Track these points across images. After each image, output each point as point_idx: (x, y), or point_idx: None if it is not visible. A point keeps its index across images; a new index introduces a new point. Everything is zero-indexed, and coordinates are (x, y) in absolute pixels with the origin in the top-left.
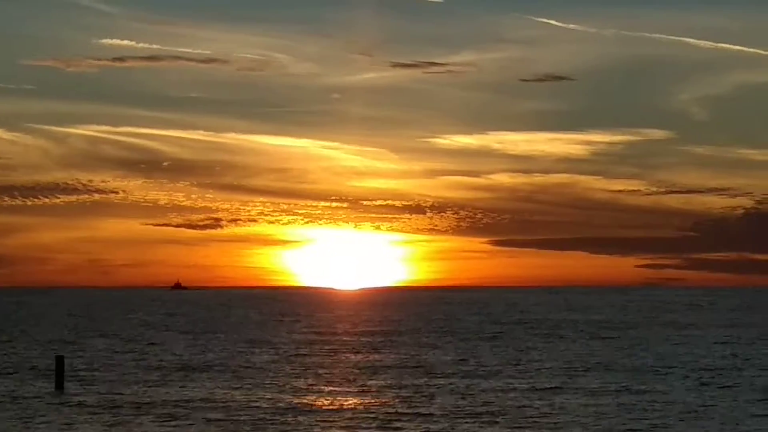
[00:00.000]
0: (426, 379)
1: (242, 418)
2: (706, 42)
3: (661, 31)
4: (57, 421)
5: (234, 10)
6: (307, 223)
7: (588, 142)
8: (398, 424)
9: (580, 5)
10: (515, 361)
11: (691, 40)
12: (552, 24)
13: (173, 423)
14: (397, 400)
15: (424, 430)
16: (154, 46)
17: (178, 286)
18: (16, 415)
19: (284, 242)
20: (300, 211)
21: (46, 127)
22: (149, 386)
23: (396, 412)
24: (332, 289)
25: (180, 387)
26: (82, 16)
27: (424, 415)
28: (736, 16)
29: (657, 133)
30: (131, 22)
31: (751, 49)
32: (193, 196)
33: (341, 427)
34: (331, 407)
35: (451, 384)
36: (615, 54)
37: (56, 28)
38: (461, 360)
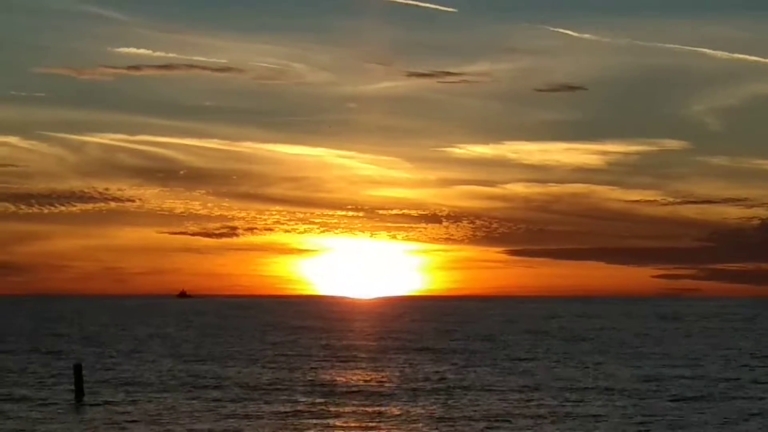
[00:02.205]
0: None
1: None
2: (721, 52)
3: (675, 41)
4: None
5: (249, 19)
6: (323, 232)
7: (603, 152)
8: None
9: (595, 15)
10: None
11: (707, 51)
12: (567, 34)
13: None
14: None
15: None
16: (170, 55)
17: (183, 295)
18: (35, 427)
19: (300, 251)
20: (316, 220)
21: (62, 135)
22: (169, 396)
23: None
24: (348, 298)
25: (193, 398)
26: (96, 25)
27: None
28: (752, 27)
29: (672, 144)
30: (146, 31)
31: (767, 60)
32: (209, 204)
33: None
34: None
35: None
36: (630, 64)
37: (71, 36)
38: None
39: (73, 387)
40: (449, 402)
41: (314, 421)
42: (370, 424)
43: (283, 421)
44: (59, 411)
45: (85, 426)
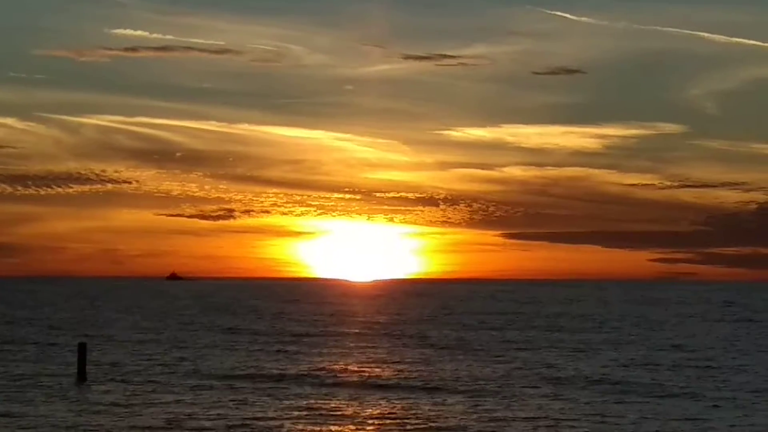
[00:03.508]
0: None
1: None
2: (719, 36)
3: (673, 24)
4: (79, 410)
5: (247, 1)
6: (320, 214)
7: (601, 136)
8: None
9: None
10: None
11: (705, 34)
12: (564, 17)
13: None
14: None
15: None
16: (167, 37)
17: (173, 277)
18: (38, 403)
19: (297, 234)
20: (313, 203)
21: (59, 116)
22: (171, 377)
23: None
24: (345, 280)
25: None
26: (94, 6)
27: None
28: (750, 11)
29: (670, 127)
30: (144, 12)
31: (765, 44)
32: (206, 186)
33: None
34: None
35: None
36: (627, 47)
37: (69, 17)
38: None
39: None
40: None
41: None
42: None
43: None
44: (61, 391)
45: (86, 405)
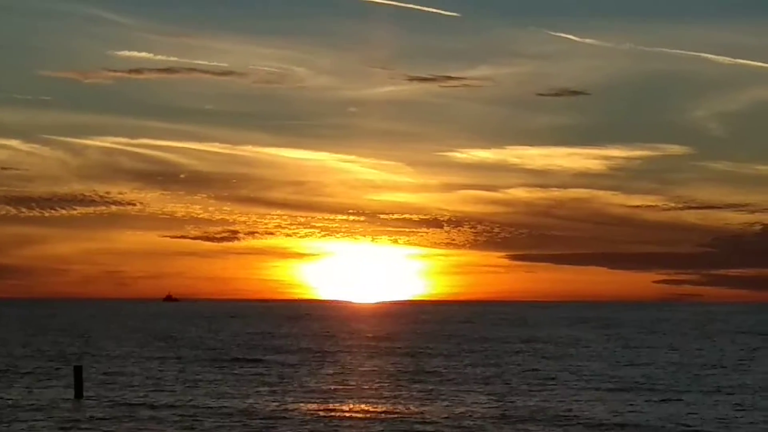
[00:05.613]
0: None
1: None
2: (723, 57)
3: (678, 46)
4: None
5: (251, 23)
6: (324, 236)
7: (606, 157)
8: None
9: (597, 20)
10: None
11: (709, 56)
12: (568, 38)
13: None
14: None
15: None
16: (171, 58)
17: (169, 299)
18: (36, 424)
19: (301, 255)
20: (317, 224)
21: (64, 138)
22: (165, 395)
23: None
24: (350, 302)
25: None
26: (98, 28)
27: None
28: (755, 32)
29: (675, 149)
30: (148, 34)
31: None
32: (210, 208)
33: None
34: None
35: None
36: (632, 69)
37: (73, 39)
38: None
39: (72, 388)
40: None
41: None
42: None
43: None
44: (58, 410)
45: (84, 424)
